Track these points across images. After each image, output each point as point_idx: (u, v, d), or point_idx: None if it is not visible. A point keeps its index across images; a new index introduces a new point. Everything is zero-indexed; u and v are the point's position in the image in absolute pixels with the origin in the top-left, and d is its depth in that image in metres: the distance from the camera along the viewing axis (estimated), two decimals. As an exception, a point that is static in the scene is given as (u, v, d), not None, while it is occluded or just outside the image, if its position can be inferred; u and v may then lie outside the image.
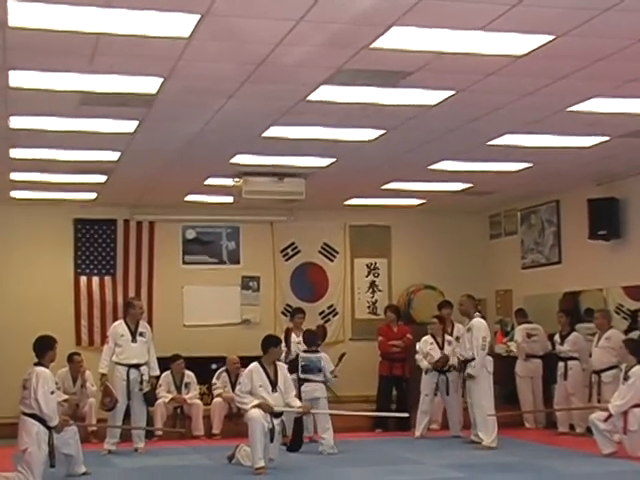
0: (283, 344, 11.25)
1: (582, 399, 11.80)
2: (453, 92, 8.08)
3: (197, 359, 13.35)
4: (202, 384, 13.20)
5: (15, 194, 12.95)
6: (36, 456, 8.59)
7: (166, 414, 12.39)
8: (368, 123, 9.23)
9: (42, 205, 13.60)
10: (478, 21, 6.26)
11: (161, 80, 7.60)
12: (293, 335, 12.45)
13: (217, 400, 12.58)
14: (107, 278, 14.29)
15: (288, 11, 6.05)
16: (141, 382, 10.91)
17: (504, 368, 12.84)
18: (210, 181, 12.30)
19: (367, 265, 15.45)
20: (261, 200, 12.31)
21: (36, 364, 8.85)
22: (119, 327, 11.18)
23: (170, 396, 12.48)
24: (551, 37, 6.61)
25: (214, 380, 12.87)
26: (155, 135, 9.62)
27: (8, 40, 6.55)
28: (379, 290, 15.46)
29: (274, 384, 9.66)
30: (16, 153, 10.37)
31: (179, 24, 6.25)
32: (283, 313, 14.72)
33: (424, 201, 14.28)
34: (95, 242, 14.31)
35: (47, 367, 8.89)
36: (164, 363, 12.07)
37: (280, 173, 11.72)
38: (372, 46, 6.75)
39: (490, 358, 11.25)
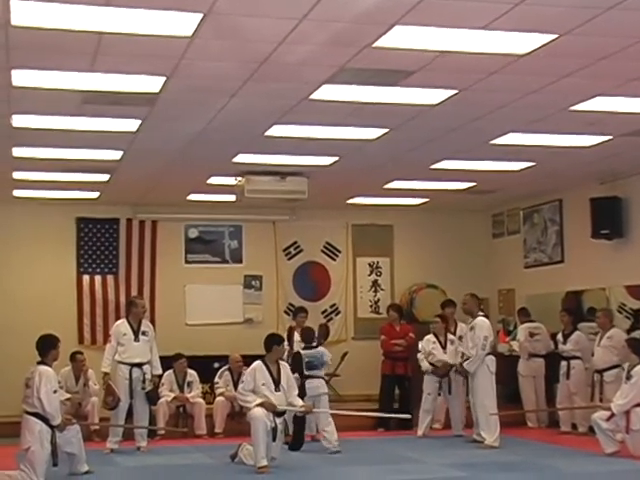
0: (286, 343, 11.27)
1: (584, 398, 11.80)
2: (456, 91, 8.07)
3: (199, 358, 13.36)
4: (205, 383, 13.21)
5: (18, 193, 12.95)
6: (39, 455, 8.60)
7: (169, 413, 12.39)
8: (371, 122, 9.22)
9: (45, 204, 13.59)
10: (481, 20, 6.26)
11: (164, 79, 7.60)
12: (296, 334, 12.41)
13: (219, 399, 12.57)
14: (110, 277, 14.30)
15: (291, 10, 6.04)
16: (144, 381, 10.91)
17: (506, 367, 12.83)
18: (212, 180, 12.31)
19: (369, 264, 15.44)
20: (263, 199, 12.28)
21: (39, 363, 8.86)
22: (122, 326, 11.17)
23: (172, 395, 12.48)
24: (554, 36, 6.60)
25: (216, 379, 12.86)
26: (158, 134, 9.61)
27: (11, 39, 6.54)
28: (381, 289, 15.45)
29: (277, 383, 9.66)
30: (19, 152, 10.36)
31: (182, 23, 6.24)
32: (286, 312, 14.71)
33: (427, 200, 14.27)
34: (98, 241, 14.31)
35: (50, 366, 8.89)
36: (166, 362, 12.07)
37: (282, 172, 11.71)
38: (375, 45, 6.74)
39: (493, 357, 11.24)
